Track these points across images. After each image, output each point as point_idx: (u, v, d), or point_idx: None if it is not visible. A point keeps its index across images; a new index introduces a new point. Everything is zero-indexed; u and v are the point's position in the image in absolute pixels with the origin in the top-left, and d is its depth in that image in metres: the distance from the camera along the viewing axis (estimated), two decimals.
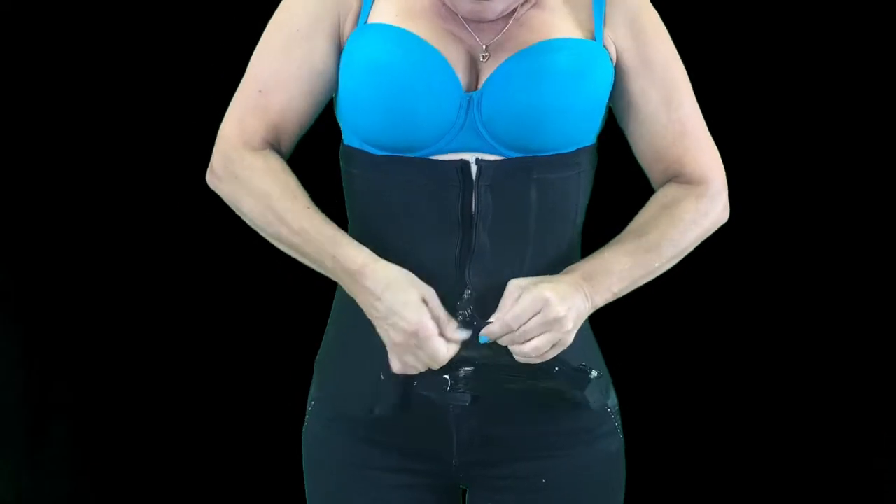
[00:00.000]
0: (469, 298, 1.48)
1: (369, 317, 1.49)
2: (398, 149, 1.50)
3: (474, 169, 1.49)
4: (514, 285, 1.47)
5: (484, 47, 1.51)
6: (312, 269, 1.55)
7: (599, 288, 1.50)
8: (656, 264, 1.55)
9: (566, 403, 1.54)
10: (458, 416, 1.54)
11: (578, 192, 1.56)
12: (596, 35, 1.54)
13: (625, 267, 1.52)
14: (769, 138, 2.72)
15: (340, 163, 1.60)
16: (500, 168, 1.50)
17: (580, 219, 1.59)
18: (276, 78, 1.54)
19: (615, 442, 1.63)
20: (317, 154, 1.71)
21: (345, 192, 1.60)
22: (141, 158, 2.74)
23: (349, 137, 1.57)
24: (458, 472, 1.59)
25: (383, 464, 1.58)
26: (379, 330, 1.49)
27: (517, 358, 1.47)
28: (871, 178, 2.74)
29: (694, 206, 1.57)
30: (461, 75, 1.49)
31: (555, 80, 1.48)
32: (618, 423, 1.63)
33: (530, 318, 1.45)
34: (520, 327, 1.45)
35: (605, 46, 1.54)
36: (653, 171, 1.62)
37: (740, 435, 2.81)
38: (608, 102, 1.57)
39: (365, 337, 1.52)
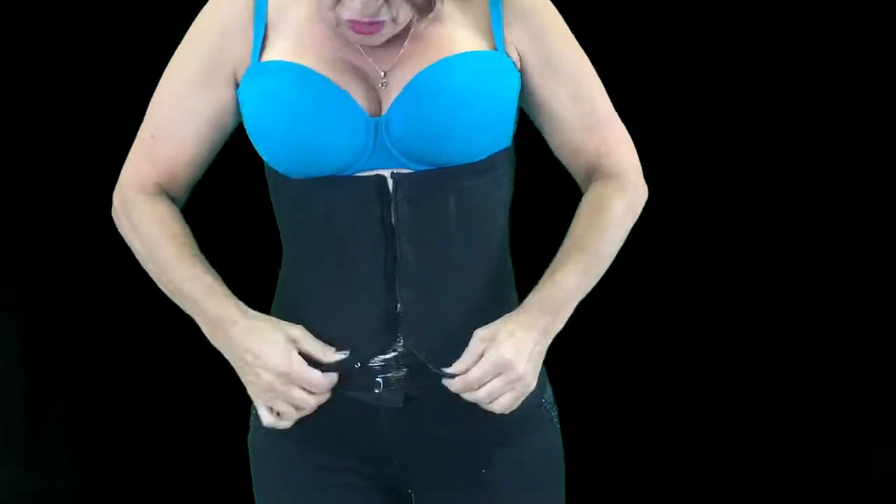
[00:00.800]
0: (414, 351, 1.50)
1: (237, 368, 1.52)
2: (315, 175, 1.50)
3: (390, 182, 1.49)
4: (479, 338, 1.48)
5: (382, 74, 1.50)
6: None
7: (559, 316, 1.52)
8: (600, 269, 1.56)
9: None
10: (391, 418, 1.54)
11: (498, 194, 1.56)
12: (496, 42, 1.53)
13: (577, 285, 1.53)
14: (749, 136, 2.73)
15: (267, 180, 1.59)
16: (417, 180, 1.49)
17: (504, 219, 1.58)
18: (167, 125, 1.56)
19: (552, 433, 1.63)
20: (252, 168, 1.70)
21: (273, 208, 1.59)
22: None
23: (267, 160, 1.56)
24: (400, 474, 1.59)
25: (326, 463, 1.58)
26: (248, 377, 1.51)
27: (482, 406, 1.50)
28: (862, 176, 2.75)
29: (621, 201, 1.58)
30: (363, 102, 1.48)
31: (460, 97, 1.48)
32: (554, 415, 1.63)
33: (492, 379, 1.47)
34: (481, 387, 1.47)
35: (507, 53, 1.53)
36: (573, 166, 1.62)
37: (677, 421, 2.82)
38: (519, 104, 1.56)
39: None
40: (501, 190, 1.56)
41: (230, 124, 1.56)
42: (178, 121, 1.56)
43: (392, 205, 1.49)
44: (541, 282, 1.54)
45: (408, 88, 1.48)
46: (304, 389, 1.49)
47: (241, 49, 1.52)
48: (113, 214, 1.63)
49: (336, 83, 1.48)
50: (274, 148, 1.50)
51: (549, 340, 1.52)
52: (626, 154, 1.61)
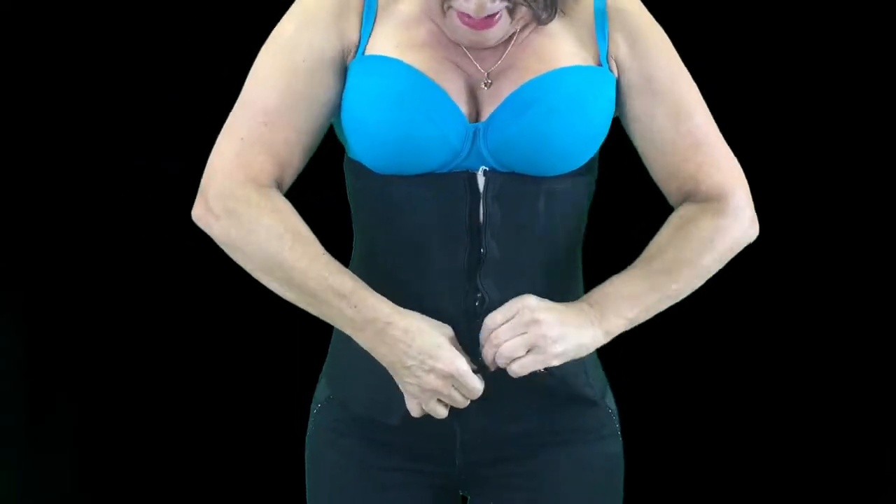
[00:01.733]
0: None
1: (395, 368, 1.47)
2: (405, 173, 1.50)
3: (481, 180, 1.49)
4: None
5: (486, 74, 1.49)
6: None
7: (608, 313, 1.49)
8: (673, 286, 1.51)
9: (568, 400, 1.55)
10: (462, 417, 1.53)
11: (582, 199, 1.56)
12: (600, 55, 1.52)
13: (637, 290, 1.50)
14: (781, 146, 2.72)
15: (345, 174, 1.59)
16: (508, 179, 1.49)
17: (584, 224, 1.59)
18: (283, 110, 1.48)
19: (616, 444, 1.64)
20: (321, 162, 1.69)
21: (350, 202, 1.59)
22: (143, 159, 2.74)
23: (353, 153, 1.55)
24: (462, 475, 1.59)
25: (389, 464, 1.58)
26: (408, 378, 1.47)
27: (502, 366, 1.47)
28: (879, 182, 2.74)
29: (710, 223, 1.52)
30: (463, 106, 1.48)
31: (560, 113, 1.47)
32: (618, 426, 1.64)
33: (507, 321, 1.45)
34: (496, 329, 1.46)
35: (608, 66, 1.52)
36: (668, 188, 1.58)
37: (739, 440, 2.82)
38: (615, 114, 1.55)
39: None
40: (584, 195, 1.56)
41: (337, 109, 1.53)
42: (294, 105, 1.49)
43: (481, 202, 1.49)
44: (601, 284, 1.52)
45: (509, 99, 1.47)
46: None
47: (352, 35, 1.50)
48: (201, 214, 1.49)
49: (439, 84, 1.47)
50: (368, 143, 1.49)
51: (595, 337, 1.49)
52: (728, 180, 1.55)
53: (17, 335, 2.82)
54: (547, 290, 1.52)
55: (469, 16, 1.42)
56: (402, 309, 1.47)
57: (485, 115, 1.49)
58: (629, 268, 1.53)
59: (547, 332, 1.44)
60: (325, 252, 1.47)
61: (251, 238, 1.46)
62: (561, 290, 1.54)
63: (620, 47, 1.53)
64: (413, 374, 1.46)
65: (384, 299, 1.46)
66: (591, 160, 1.55)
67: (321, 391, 1.65)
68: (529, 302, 1.46)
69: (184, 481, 2.86)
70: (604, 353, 1.63)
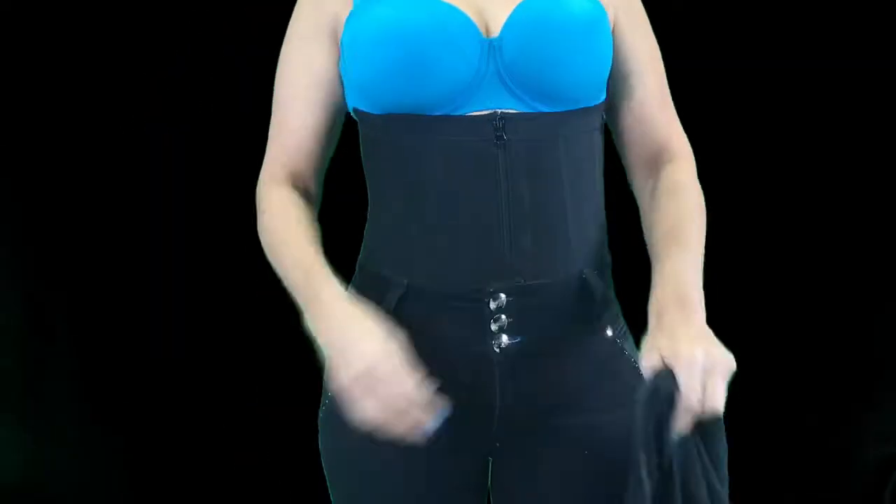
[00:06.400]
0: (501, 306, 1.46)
1: (331, 358, 1.43)
2: (420, 108, 1.47)
3: (502, 123, 1.46)
4: (651, 350, 1.39)
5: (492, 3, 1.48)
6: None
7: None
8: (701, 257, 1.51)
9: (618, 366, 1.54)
10: (502, 370, 1.50)
11: (594, 152, 1.55)
12: None
13: (699, 277, 1.47)
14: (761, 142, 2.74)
15: (360, 140, 1.58)
16: (529, 121, 1.46)
17: (600, 184, 1.58)
18: (286, 105, 1.58)
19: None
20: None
21: (364, 164, 1.58)
22: (143, 158, 2.75)
23: (361, 102, 1.54)
24: (495, 440, 1.55)
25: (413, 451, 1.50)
26: (333, 368, 1.42)
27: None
28: (865, 180, 2.76)
29: (696, 192, 1.56)
30: (476, 22, 1.47)
31: (570, 23, 1.47)
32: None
33: (691, 380, 1.36)
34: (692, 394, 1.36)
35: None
36: (641, 140, 1.60)
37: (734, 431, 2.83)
38: None
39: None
40: (597, 148, 1.56)
41: (339, 89, 1.57)
42: (293, 97, 1.57)
43: (507, 145, 1.46)
44: (677, 274, 1.47)
45: (517, 11, 1.47)
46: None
47: (340, 8, 1.53)
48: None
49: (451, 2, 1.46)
50: (381, 78, 1.47)
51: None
52: (683, 137, 1.62)
53: (16, 332, 2.83)
54: (580, 236, 1.51)
55: None
56: (355, 300, 1.46)
57: (497, 32, 1.47)
58: (683, 255, 1.48)
59: (724, 358, 1.39)
60: (312, 243, 1.51)
61: (262, 232, 1.55)
62: (595, 238, 1.54)
63: None
64: (335, 360, 1.41)
65: (341, 288, 1.46)
66: (599, 113, 1.55)
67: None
68: (696, 351, 1.36)
69: (190, 472, 2.87)
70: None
